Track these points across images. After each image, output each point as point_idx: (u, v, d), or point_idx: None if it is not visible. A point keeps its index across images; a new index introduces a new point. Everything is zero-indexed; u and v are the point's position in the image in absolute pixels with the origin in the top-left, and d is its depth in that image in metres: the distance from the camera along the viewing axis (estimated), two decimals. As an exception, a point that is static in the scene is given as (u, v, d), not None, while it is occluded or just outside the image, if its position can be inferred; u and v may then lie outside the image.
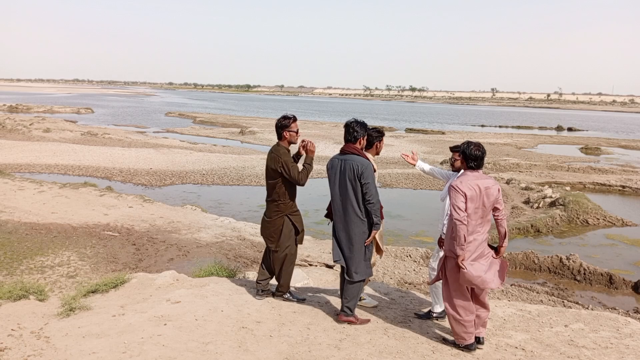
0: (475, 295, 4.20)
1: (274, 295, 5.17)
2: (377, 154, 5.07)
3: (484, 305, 4.23)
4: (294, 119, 4.99)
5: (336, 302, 5.20)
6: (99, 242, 9.13)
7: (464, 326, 4.11)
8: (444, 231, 4.71)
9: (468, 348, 4.15)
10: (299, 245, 5.12)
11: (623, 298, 8.59)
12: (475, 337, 4.22)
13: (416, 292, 6.03)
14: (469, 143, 4.20)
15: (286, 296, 5.11)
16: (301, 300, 5.11)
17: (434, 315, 4.88)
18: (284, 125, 4.92)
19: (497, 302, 5.47)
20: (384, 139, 5.20)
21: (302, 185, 4.86)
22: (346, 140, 4.58)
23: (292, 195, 4.97)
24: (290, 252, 5.00)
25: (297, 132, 5.01)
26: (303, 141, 4.95)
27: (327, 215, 4.88)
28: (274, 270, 5.09)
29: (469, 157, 4.13)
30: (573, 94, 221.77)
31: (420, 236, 11.57)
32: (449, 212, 4.18)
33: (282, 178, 4.82)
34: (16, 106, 52.26)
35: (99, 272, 7.71)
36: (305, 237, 10.58)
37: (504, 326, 4.74)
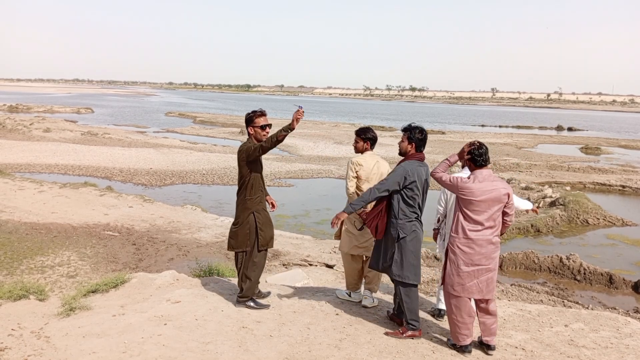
0: (478, 301, 4.12)
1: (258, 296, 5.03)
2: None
3: (489, 312, 4.11)
4: (260, 113, 4.63)
5: (336, 302, 5.20)
6: (99, 242, 9.14)
7: (458, 327, 4.08)
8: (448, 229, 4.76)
9: (462, 350, 4.12)
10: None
11: (623, 298, 8.60)
12: (485, 344, 4.14)
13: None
14: (479, 144, 4.08)
15: (249, 303, 4.81)
16: (265, 307, 4.83)
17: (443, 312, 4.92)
18: (247, 120, 4.64)
19: (497, 302, 5.46)
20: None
21: (264, 146, 4.41)
22: (421, 148, 4.42)
23: (261, 188, 4.73)
24: (253, 256, 4.72)
25: (264, 128, 4.62)
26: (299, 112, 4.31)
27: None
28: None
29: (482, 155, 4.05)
30: (573, 93, 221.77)
31: (420, 236, 11.57)
32: (450, 210, 4.17)
33: (250, 172, 4.60)
34: (16, 106, 52.25)
35: (99, 271, 7.71)
36: (305, 237, 10.65)
37: (504, 326, 4.74)
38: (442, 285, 4.22)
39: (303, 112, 4.30)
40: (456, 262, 4.01)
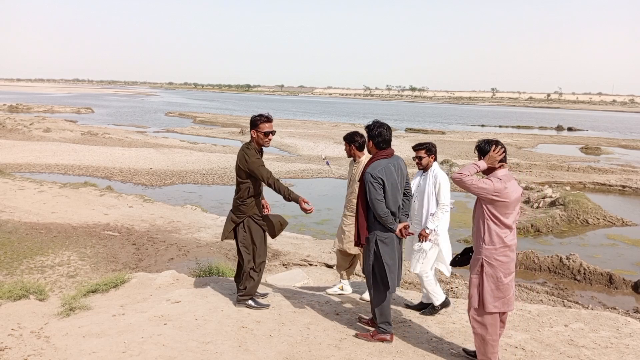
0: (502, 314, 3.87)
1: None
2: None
3: (504, 322, 3.91)
4: (266, 119, 4.59)
5: (336, 302, 5.20)
6: (99, 242, 9.14)
7: (492, 346, 3.76)
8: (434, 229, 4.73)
9: None
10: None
11: (623, 298, 8.60)
12: None
13: (416, 292, 6.03)
14: (487, 141, 3.77)
15: (249, 302, 4.82)
16: (265, 307, 4.83)
17: (437, 307, 4.94)
18: (253, 122, 4.62)
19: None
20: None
21: (269, 183, 4.53)
22: (381, 145, 4.20)
23: (257, 194, 4.72)
24: (251, 258, 4.73)
25: (267, 135, 4.60)
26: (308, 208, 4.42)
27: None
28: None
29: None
30: (573, 93, 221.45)
31: (420, 236, 11.55)
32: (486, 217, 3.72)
33: (247, 178, 4.61)
34: (16, 106, 52.27)
35: (99, 271, 7.71)
36: (305, 237, 10.65)
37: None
38: (475, 309, 3.79)
39: (311, 210, 4.47)
40: (495, 276, 3.67)
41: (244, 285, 4.80)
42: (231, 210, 4.84)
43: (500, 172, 3.72)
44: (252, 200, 4.72)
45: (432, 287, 4.89)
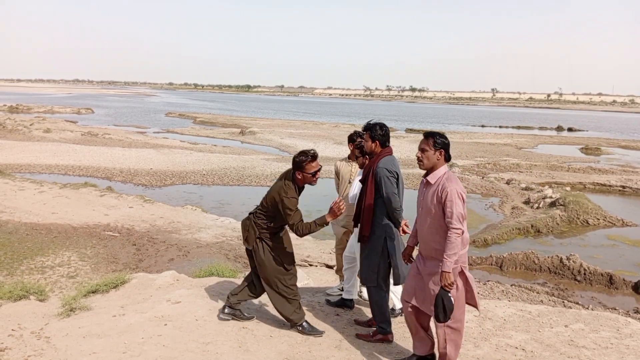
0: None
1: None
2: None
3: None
4: (312, 158, 4.07)
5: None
6: (99, 243, 9.14)
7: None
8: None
9: None
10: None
11: (623, 298, 8.60)
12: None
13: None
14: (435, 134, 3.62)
15: (299, 328, 4.35)
16: (319, 334, 4.32)
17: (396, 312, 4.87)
18: (297, 163, 4.07)
19: (497, 302, 5.47)
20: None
21: (297, 232, 4.07)
22: (386, 143, 4.26)
23: (275, 229, 4.28)
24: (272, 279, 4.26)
25: (314, 175, 4.12)
26: (335, 203, 3.98)
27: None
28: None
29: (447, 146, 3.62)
30: (573, 94, 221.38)
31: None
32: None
33: (278, 215, 4.17)
34: (16, 106, 52.30)
35: (99, 272, 7.72)
36: (305, 237, 10.62)
37: (504, 326, 4.74)
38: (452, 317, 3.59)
39: (343, 206, 3.98)
40: (470, 276, 3.66)
41: (287, 319, 4.33)
42: (252, 219, 4.30)
43: (442, 170, 3.57)
44: (274, 232, 4.30)
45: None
